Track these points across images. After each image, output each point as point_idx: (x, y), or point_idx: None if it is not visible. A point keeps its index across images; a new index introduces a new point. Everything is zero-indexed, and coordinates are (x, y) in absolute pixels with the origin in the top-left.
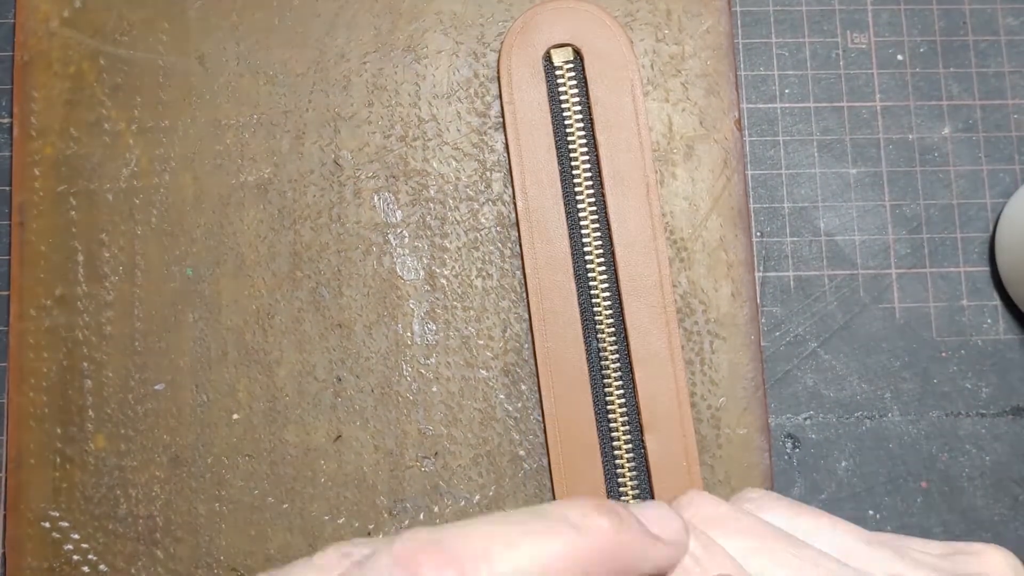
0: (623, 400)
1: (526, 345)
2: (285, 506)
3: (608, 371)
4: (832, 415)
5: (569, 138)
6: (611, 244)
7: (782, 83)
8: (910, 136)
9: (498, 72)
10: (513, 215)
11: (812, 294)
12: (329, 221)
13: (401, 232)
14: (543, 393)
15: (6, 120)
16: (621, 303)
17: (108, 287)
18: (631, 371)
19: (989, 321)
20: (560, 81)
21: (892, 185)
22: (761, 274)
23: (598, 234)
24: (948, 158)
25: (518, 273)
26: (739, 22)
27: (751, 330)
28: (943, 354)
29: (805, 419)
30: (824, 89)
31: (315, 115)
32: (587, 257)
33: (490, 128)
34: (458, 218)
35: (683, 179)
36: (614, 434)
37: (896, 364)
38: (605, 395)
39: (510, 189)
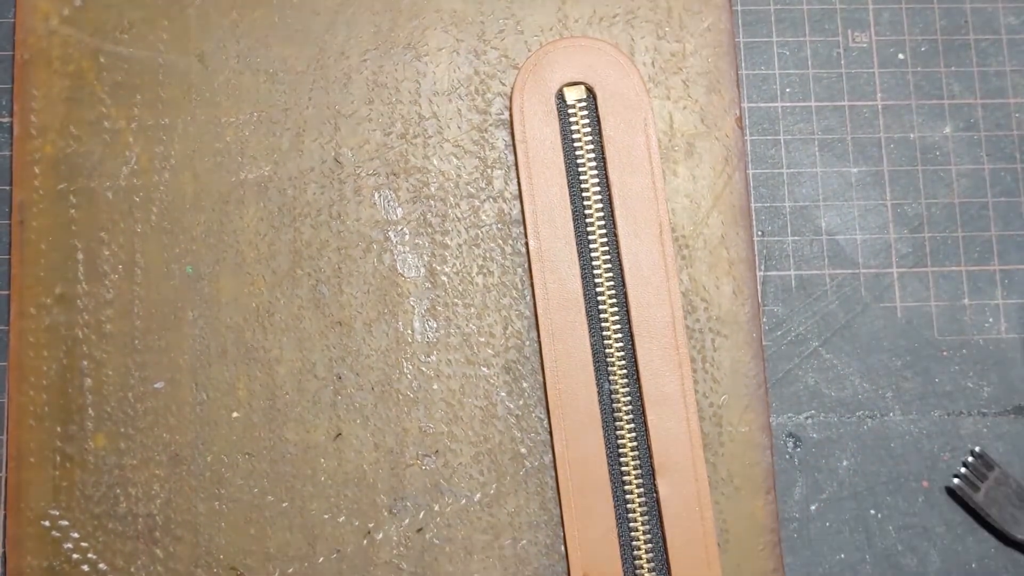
0: (635, 443)
1: (527, 342)
2: (285, 504)
3: (620, 413)
4: (833, 414)
5: (582, 177)
6: (623, 285)
7: (783, 82)
8: (911, 135)
9: (510, 110)
10: (512, 212)
11: (813, 293)
12: (329, 219)
13: (402, 229)
14: (554, 435)
15: (6, 119)
16: (634, 345)
17: (108, 285)
18: (643, 413)
19: (991, 320)
20: (573, 119)
21: (893, 184)
22: (762, 273)
23: (610, 275)
24: (949, 157)
25: (519, 270)
26: (740, 21)
27: (753, 328)
28: (944, 353)
29: (806, 418)
30: (825, 88)
31: (315, 113)
32: (599, 298)
33: (491, 125)
34: (459, 215)
35: (684, 176)
36: (626, 477)
37: (897, 363)
38: (617, 437)
39: (511, 187)
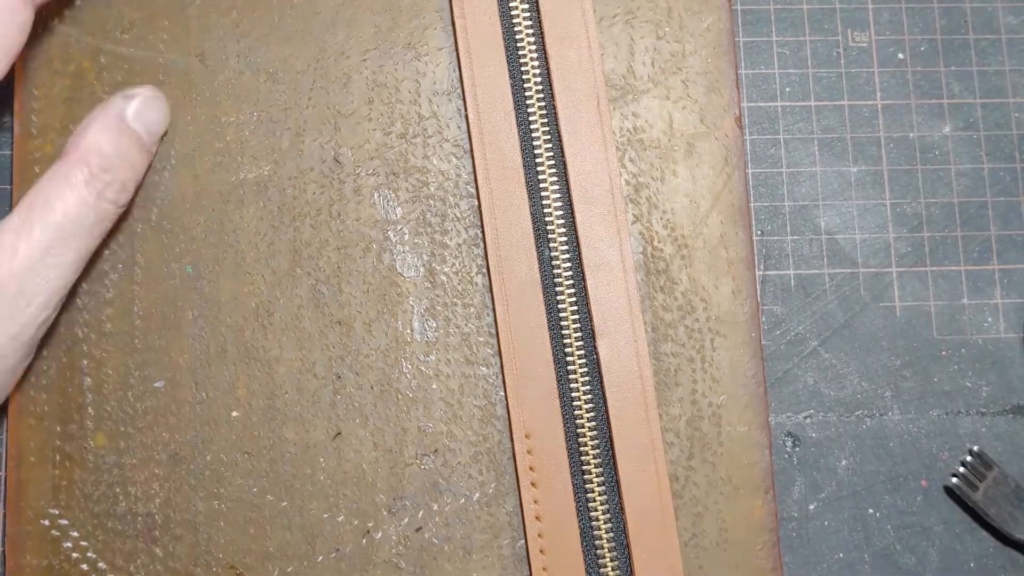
0: (575, 307)
1: None
2: (284, 504)
3: (560, 279)
4: (832, 414)
5: (520, 52)
6: (562, 155)
7: (783, 81)
8: (911, 134)
9: None
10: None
11: (812, 293)
12: (329, 218)
13: (401, 229)
14: (495, 299)
15: (7, 118)
16: (573, 212)
17: (108, 285)
18: (583, 278)
19: (989, 320)
20: None
21: (893, 183)
22: (762, 273)
23: (549, 145)
24: (949, 156)
25: None
26: (740, 20)
27: (752, 327)
28: (943, 353)
29: (805, 417)
30: (825, 87)
31: (315, 112)
32: (539, 168)
33: None
34: (458, 215)
35: (684, 176)
36: (566, 340)
37: (896, 363)
38: (558, 302)
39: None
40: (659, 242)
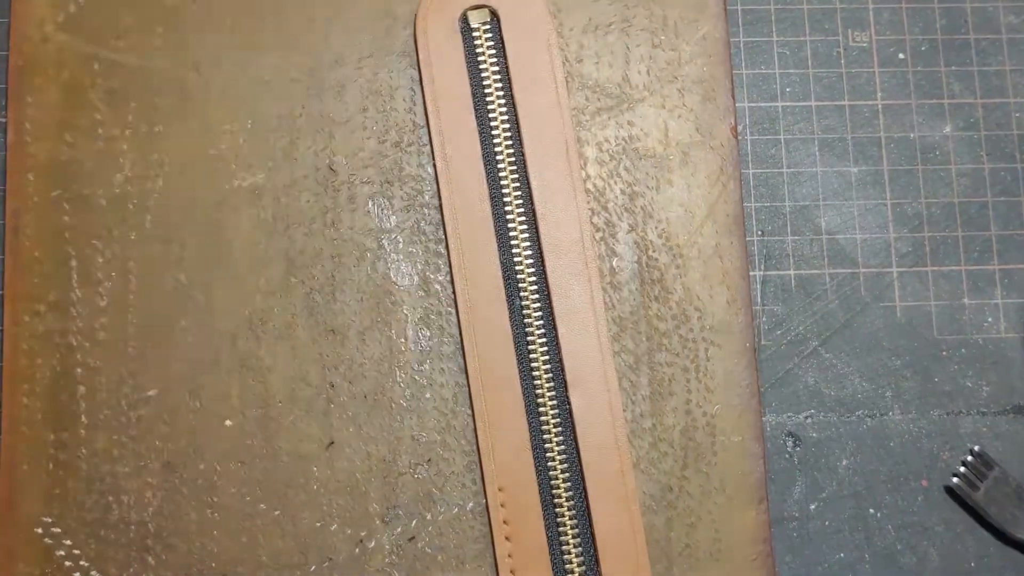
0: (547, 358)
1: None
2: (277, 513)
3: (531, 328)
4: (833, 414)
5: (488, 99)
6: (531, 203)
7: (783, 81)
8: (911, 134)
9: (415, 34)
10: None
11: (813, 293)
12: (323, 227)
13: (395, 237)
14: (466, 351)
15: (2, 118)
16: (543, 260)
17: (101, 292)
18: (554, 328)
19: (990, 320)
20: (478, 43)
21: (893, 183)
22: (762, 273)
23: (519, 193)
24: (949, 156)
25: None
26: (740, 20)
27: (746, 336)
28: (944, 352)
29: (806, 418)
30: (825, 87)
31: (309, 120)
32: (508, 216)
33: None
34: None
35: (679, 186)
36: (539, 391)
37: (897, 363)
38: (529, 352)
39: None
40: (654, 251)
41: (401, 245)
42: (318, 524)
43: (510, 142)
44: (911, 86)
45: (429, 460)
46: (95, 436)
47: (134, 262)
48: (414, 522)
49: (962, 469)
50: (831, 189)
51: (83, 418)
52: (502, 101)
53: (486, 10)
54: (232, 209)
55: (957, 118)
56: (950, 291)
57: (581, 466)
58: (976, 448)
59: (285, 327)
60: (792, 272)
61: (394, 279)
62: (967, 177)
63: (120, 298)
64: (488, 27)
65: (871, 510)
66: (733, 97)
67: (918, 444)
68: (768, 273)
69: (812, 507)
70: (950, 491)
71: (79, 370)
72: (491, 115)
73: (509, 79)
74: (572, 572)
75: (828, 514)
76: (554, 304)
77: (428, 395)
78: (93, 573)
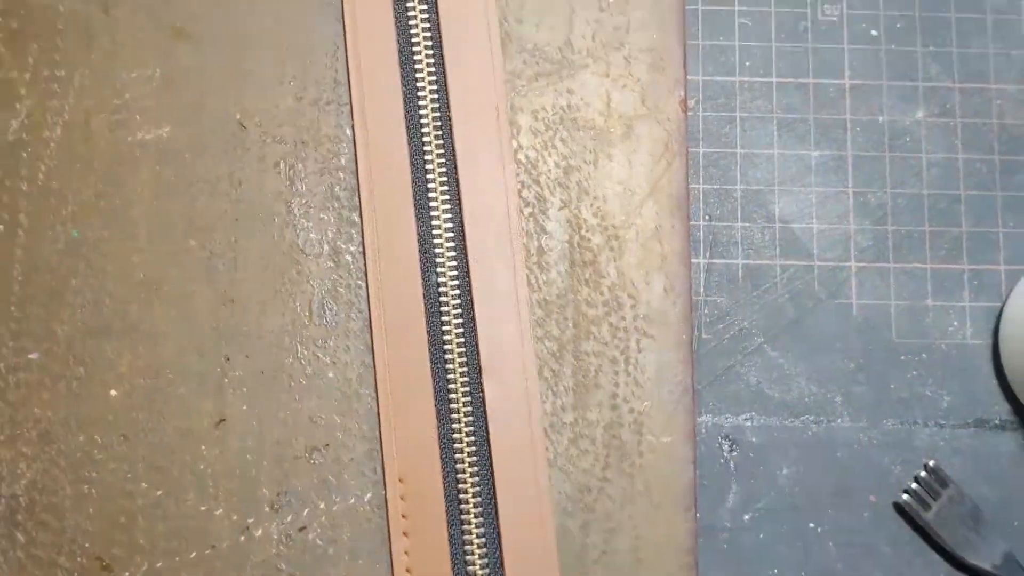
0: (462, 341)
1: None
2: (159, 493)
3: (447, 308)
4: (776, 417)
5: (416, 57)
6: (456, 172)
7: (743, 55)
8: (880, 118)
9: None
10: None
11: (762, 285)
12: (228, 187)
13: (306, 203)
14: (374, 330)
15: None
16: (464, 234)
17: None
18: (472, 309)
19: (956, 324)
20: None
21: (857, 170)
22: (707, 260)
23: (442, 160)
24: (920, 144)
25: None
26: None
27: (683, 329)
28: (902, 357)
29: (745, 420)
30: (789, 63)
31: (222, 72)
32: (429, 185)
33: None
34: None
35: (620, 161)
36: (450, 376)
37: (850, 366)
38: (443, 334)
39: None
40: (587, 231)
41: (312, 211)
42: (202, 508)
43: (436, 104)
44: (883, 65)
45: (327, 445)
46: None
47: (24, 215)
48: (306, 511)
49: (914, 485)
50: (788, 173)
51: None
52: (431, 60)
53: None
54: (133, 164)
55: (931, 103)
56: (913, 290)
57: (491, 460)
58: (931, 463)
59: (181, 294)
60: (740, 261)
61: (302, 247)
62: (939, 167)
63: (6, 252)
64: None
65: (811, 524)
66: (685, 69)
67: (868, 455)
68: (713, 261)
69: (746, 518)
70: (900, 509)
71: None
72: (418, 75)
73: (440, 36)
74: (473, 564)
75: (764, 526)
76: (473, 282)
77: (331, 374)
78: None
